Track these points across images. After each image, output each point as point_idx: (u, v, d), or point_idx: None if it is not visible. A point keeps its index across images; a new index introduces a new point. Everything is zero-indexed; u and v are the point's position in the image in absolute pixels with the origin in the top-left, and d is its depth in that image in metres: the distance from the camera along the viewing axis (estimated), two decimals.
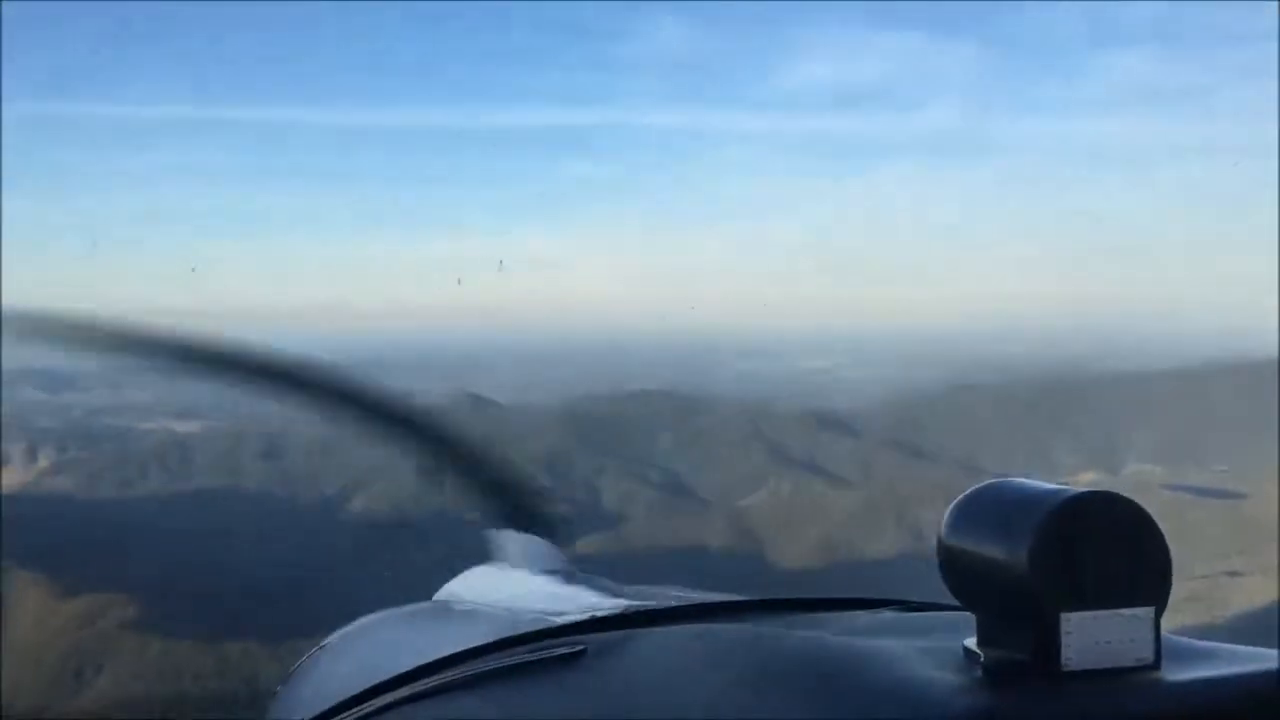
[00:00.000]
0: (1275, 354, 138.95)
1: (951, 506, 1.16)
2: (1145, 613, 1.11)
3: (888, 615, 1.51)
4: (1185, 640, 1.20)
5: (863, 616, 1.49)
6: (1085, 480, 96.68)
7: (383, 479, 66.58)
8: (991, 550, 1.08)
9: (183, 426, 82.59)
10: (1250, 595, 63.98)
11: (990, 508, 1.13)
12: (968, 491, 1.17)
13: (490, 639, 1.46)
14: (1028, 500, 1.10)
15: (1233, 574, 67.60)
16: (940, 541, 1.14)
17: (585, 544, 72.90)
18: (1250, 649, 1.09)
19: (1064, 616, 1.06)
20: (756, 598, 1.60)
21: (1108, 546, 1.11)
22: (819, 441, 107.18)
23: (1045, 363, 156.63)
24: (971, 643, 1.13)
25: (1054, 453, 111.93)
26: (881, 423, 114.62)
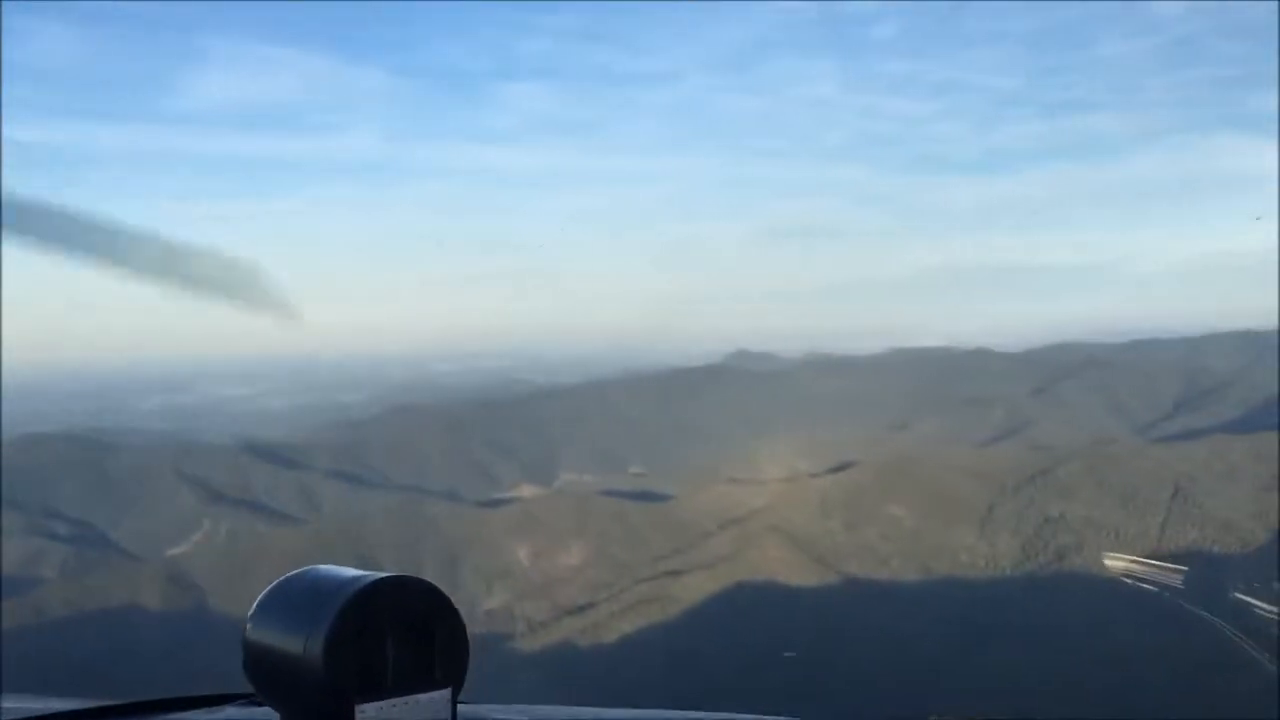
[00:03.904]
0: (672, 364, 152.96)
1: (258, 599, 1.21)
2: (442, 695, 1.17)
3: (215, 714, 1.54)
4: (486, 711, 1.27)
5: (185, 718, 1.52)
6: (525, 494, 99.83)
7: None
8: (289, 643, 1.12)
9: None
10: (693, 591, 68.98)
11: (291, 599, 1.17)
12: (275, 582, 1.22)
13: None
14: (324, 590, 1.14)
15: (674, 573, 72.58)
16: (244, 635, 1.19)
17: None
18: (546, 708, 1.26)
19: (359, 708, 1.10)
20: (79, 708, 1.64)
21: (402, 632, 1.15)
22: (254, 476, 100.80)
23: (475, 380, 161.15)
24: None
25: (493, 469, 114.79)
26: (320, 451, 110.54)
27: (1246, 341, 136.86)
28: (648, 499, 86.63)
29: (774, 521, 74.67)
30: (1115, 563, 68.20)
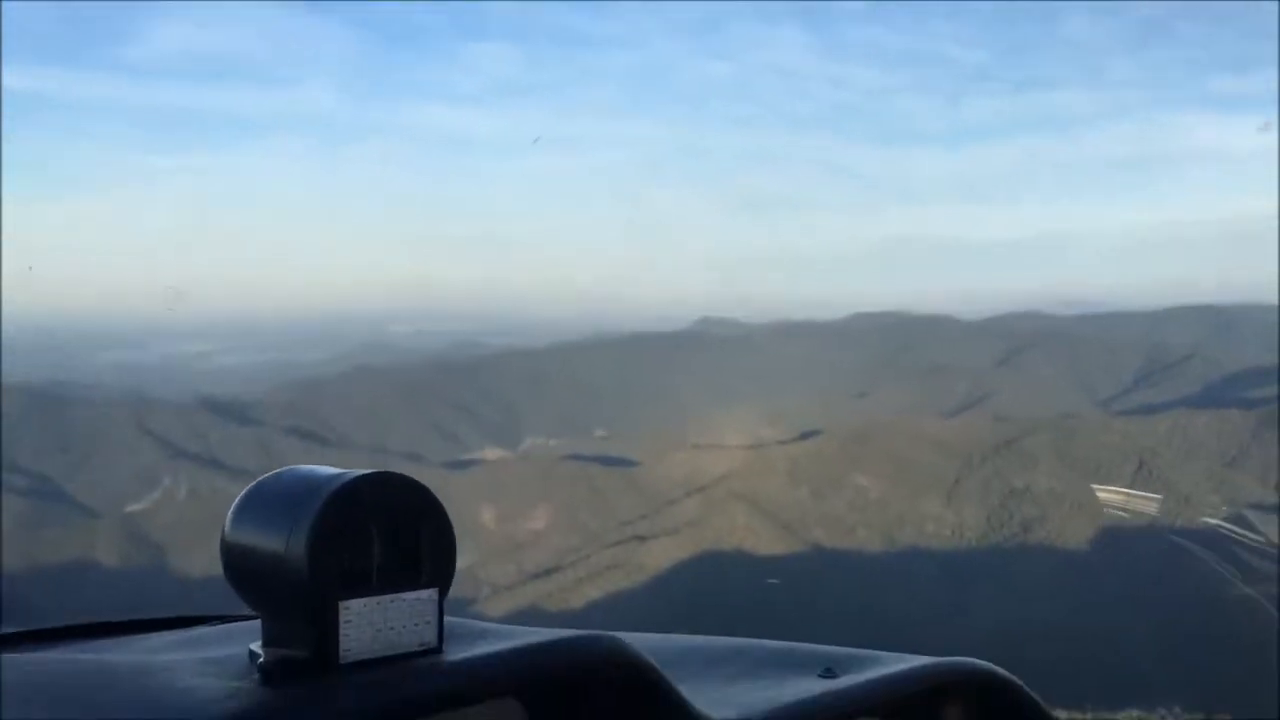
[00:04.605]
0: (634, 329, 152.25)
1: (238, 498, 1.12)
2: (429, 595, 1.12)
3: (193, 631, 1.49)
4: (472, 622, 1.25)
5: (165, 635, 1.48)
6: (489, 457, 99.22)
7: None
8: (269, 545, 1.05)
9: None
10: (660, 557, 68.96)
11: (269, 501, 1.09)
12: (255, 481, 1.13)
13: None
14: (306, 487, 1.07)
15: (641, 538, 72.55)
16: (222, 536, 1.11)
17: None
18: (526, 629, 1.24)
19: (343, 605, 1.05)
20: (58, 625, 1.57)
21: (387, 529, 1.08)
22: (213, 432, 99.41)
23: (436, 342, 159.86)
24: (257, 645, 1.12)
25: (456, 431, 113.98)
26: (279, 408, 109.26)
27: (1206, 316, 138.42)
28: (613, 464, 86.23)
29: (739, 489, 74.66)
30: (1105, 494, 69.36)
